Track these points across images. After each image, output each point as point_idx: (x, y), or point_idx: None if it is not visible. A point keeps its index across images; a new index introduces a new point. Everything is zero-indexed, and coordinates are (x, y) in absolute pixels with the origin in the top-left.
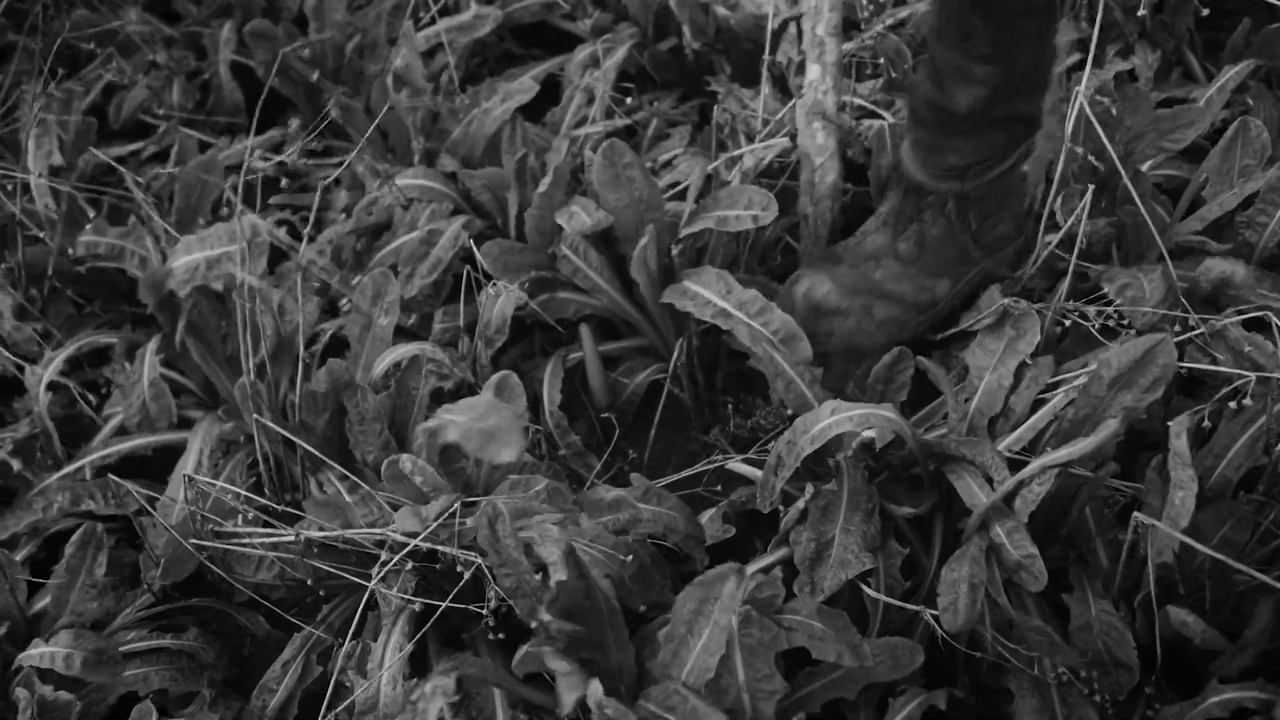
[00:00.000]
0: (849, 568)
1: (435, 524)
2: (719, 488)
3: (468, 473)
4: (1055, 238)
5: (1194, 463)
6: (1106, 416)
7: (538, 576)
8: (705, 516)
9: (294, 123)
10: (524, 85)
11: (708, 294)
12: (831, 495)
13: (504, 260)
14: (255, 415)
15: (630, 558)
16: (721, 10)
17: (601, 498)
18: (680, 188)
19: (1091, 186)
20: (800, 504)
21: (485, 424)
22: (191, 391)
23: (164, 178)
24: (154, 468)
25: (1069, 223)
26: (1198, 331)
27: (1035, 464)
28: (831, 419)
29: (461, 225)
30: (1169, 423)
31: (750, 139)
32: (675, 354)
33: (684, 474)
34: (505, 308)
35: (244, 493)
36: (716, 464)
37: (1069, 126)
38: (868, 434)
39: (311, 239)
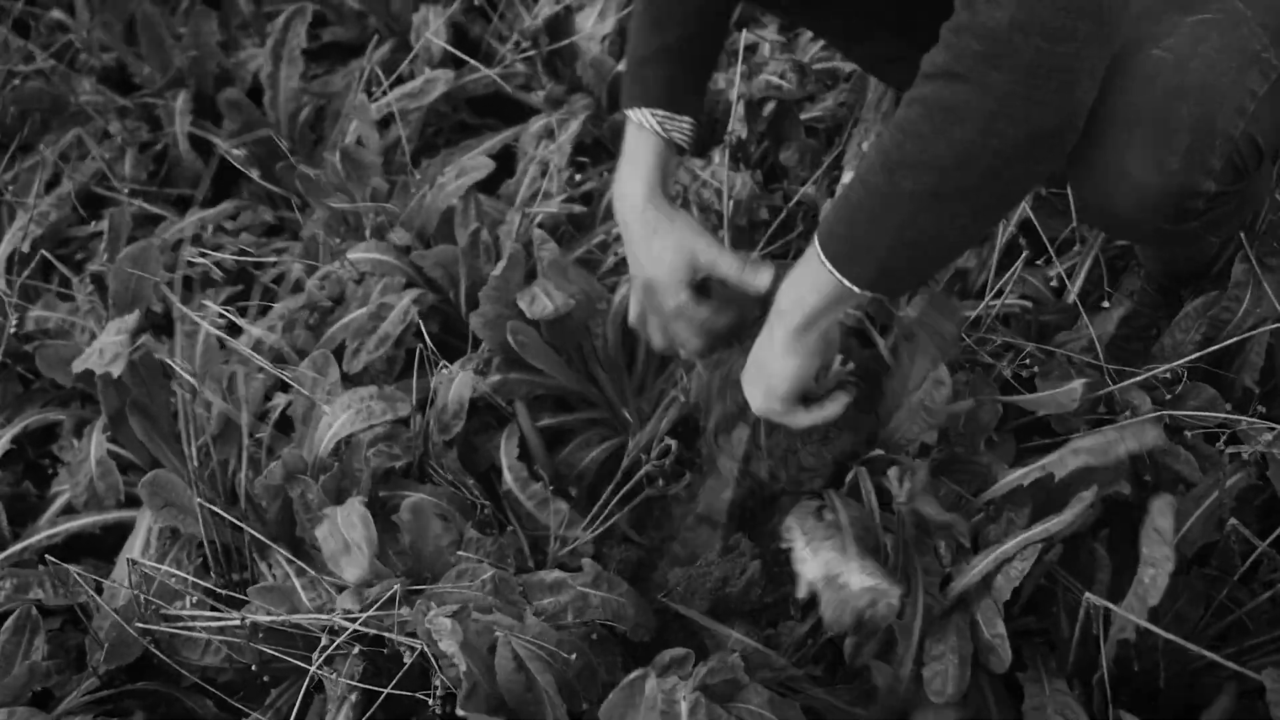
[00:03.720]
0: None
1: (374, 609)
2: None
3: (411, 560)
4: None
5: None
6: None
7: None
8: None
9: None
10: (479, 163)
11: None
12: None
13: (495, 324)
14: (199, 501)
15: (574, 655)
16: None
17: (544, 580)
18: None
19: None
20: None
21: (345, 534)
22: (140, 468)
23: (105, 259)
24: (102, 546)
25: None
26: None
27: (1015, 541)
28: None
29: (412, 300)
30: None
31: (703, 210)
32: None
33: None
34: (461, 392)
35: (190, 577)
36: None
37: None
38: None
39: (264, 312)
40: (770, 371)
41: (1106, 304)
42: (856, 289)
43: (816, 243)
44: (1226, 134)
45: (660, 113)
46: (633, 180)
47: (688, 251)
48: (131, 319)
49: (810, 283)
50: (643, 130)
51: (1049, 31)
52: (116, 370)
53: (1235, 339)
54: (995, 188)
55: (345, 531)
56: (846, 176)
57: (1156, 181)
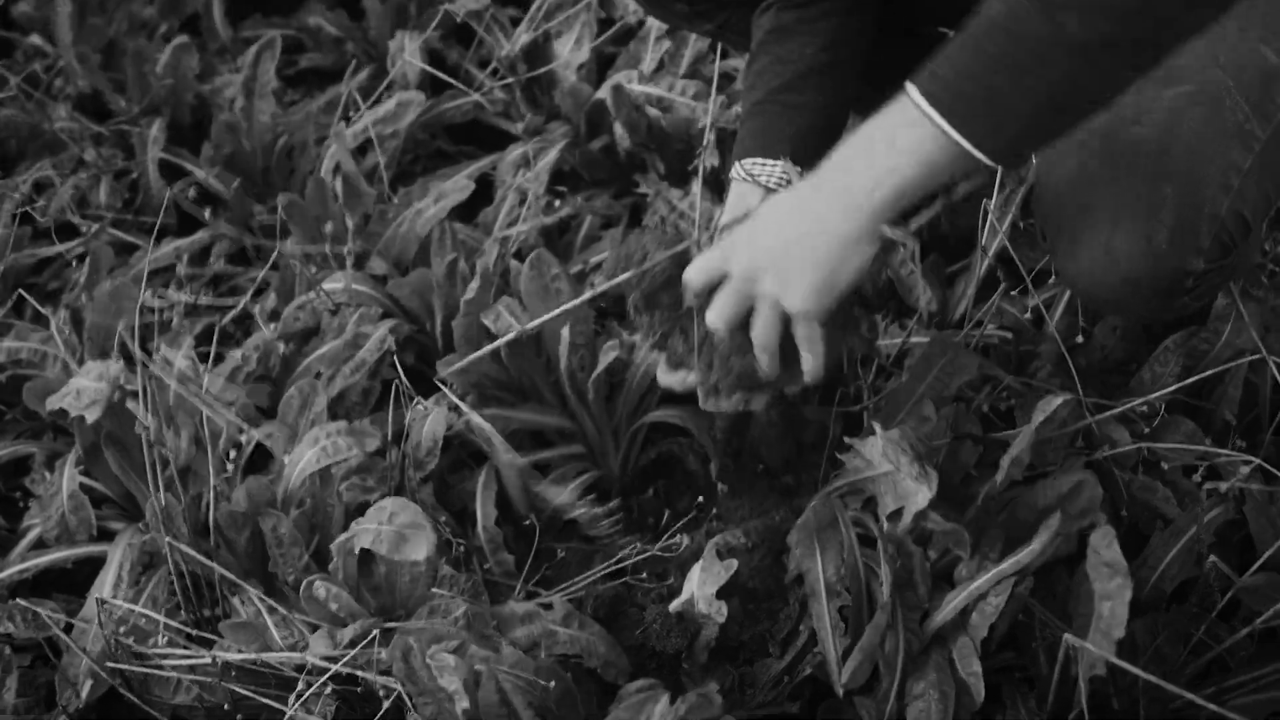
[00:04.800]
0: None
1: (351, 651)
2: (643, 575)
3: (385, 595)
4: None
5: (1130, 572)
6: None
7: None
8: None
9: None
10: (458, 185)
11: None
12: None
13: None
14: (168, 538)
15: (554, 683)
16: (654, 111)
17: (514, 611)
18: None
19: None
20: None
21: (394, 525)
22: (113, 501)
23: (81, 288)
24: (74, 580)
25: None
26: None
27: (987, 576)
28: None
29: (389, 329)
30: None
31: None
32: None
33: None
34: (435, 429)
35: (161, 618)
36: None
37: None
38: None
39: (238, 344)
40: (832, 258)
41: (1081, 339)
42: (985, 158)
43: (926, 102)
44: (1213, 212)
45: (748, 161)
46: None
47: None
48: (115, 367)
49: (911, 149)
50: (733, 182)
51: None
52: (93, 415)
53: (1213, 371)
54: (1166, 37)
55: (391, 525)
56: None
57: (1145, 263)
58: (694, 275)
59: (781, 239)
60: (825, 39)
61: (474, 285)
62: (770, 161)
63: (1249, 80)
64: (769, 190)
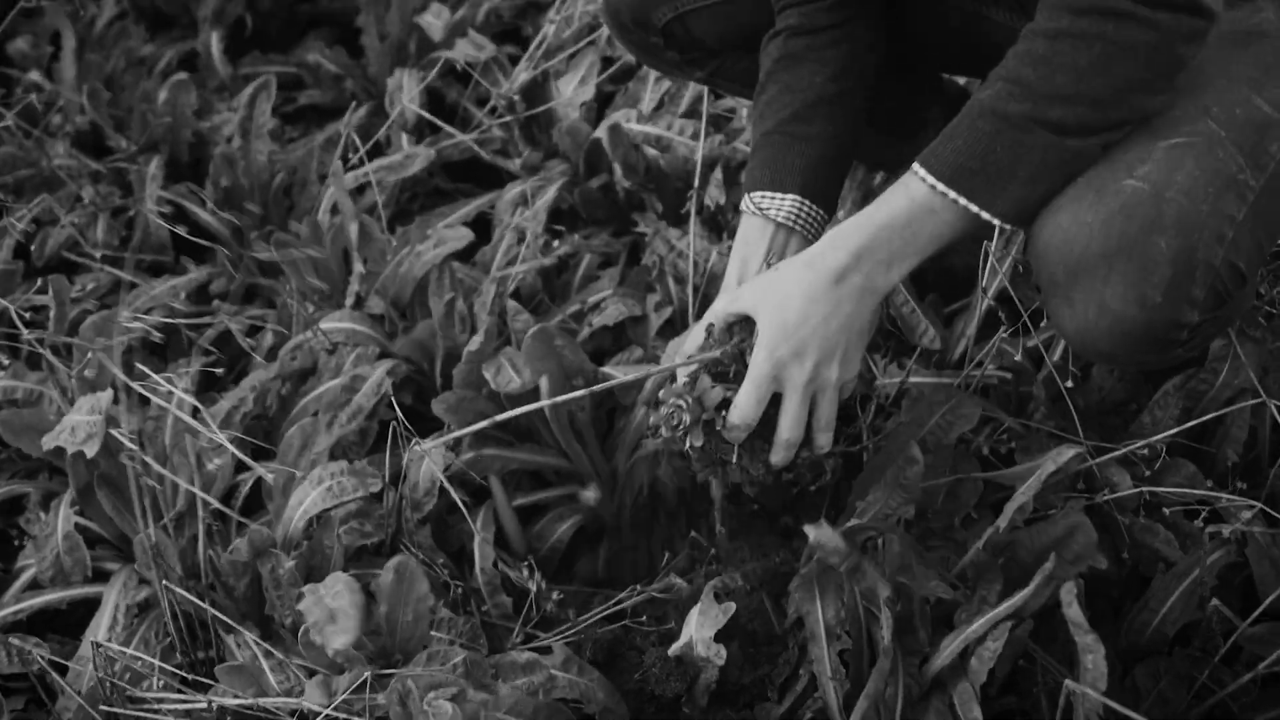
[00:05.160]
0: None
1: (343, 695)
2: (643, 618)
3: (384, 639)
4: None
5: (1132, 615)
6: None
7: None
8: None
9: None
10: (458, 233)
11: None
12: None
13: (459, 408)
14: (164, 581)
15: None
16: (651, 151)
17: (515, 660)
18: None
19: None
20: None
21: (330, 603)
22: (108, 541)
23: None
24: (69, 622)
25: None
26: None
27: (984, 619)
28: None
29: (386, 371)
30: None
31: (679, 281)
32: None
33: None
34: (432, 470)
35: (156, 661)
36: (641, 595)
37: None
38: None
39: (235, 383)
40: (850, 330)
41: (1080, 381)
42: (996, 220)
43: (936, 180)
44: (1207, 263)
45: (757, 194)
46: (729, 266)
47: None
48: (105, 398)
49: (924, 221)
50: (744, 215)
51: None
52: (90, 450)
53: (1214, 415)
54: (1138, 114)
55: (330, 600)
56: None
57: (1139, 316)
58: (750, 405)
59: (827, 335)
60: (834, 68)
61: (477, 339)
62: (779, 195)
63: (1241, 130)
64: (779, 225)
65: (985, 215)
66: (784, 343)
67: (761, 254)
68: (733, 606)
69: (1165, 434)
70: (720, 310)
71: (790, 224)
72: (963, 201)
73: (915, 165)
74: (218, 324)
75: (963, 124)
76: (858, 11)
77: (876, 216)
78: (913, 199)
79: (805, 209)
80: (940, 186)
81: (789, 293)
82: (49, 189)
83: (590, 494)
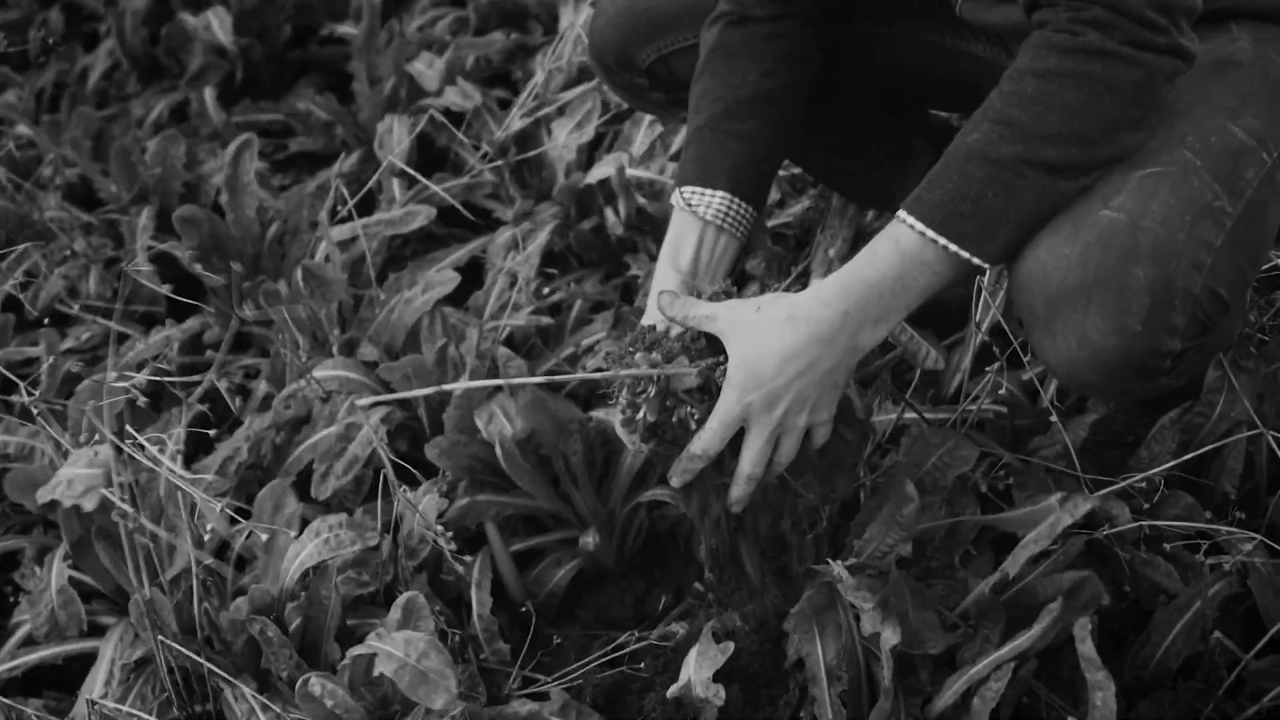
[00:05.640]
0: None
1: None
2: (641, 662)
3: (384, 689)
4: None
5: (1135, 649)
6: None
7: None
8: None
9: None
10: (445, 277)
11: None
12: None
13: (452, 453)
14: (160, 637)
15: None
16: (641, 198)
17: (516, 712)
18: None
19: None
20: None
21: (421, 665)
22: (104, 596)
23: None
24: (64, 678)
25: None
26: None
27: (988, 660)
28: None
29: (380, 418)
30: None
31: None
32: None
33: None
34: (427, 517)
35: (152, 719)
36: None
37: None
38: None
39: (229, 433)
40: (825, 384)
41: (1053, 418)
42: (986, 264)
43: (926, 227)
44: (1186, 291)
45: (688, 190)
46: (660, 262)
47: None
48: (105, 452)
49: (915, 275)
50: (675, 211)
51: (1174, 9)
52: (89, 504)
53: (1211, 446)
54: (1122, 152)
55: (418, 661)
56: (815, 281)
57: (1120, 346)
58: (714, 440)
59: (800, 388)
60: (768, 64)
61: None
62: (708, 191)
63: (1217, 158)
64: (706, 222)
65: (976, 260)
66: (755, 390)
67: (692, 248)
68: (731, 646)
69: (1163, 467)
70: (681, 316)
71: (719, 222)
72: (953, 248)
73: (902, 213)
74: (206, 382)
75: (950, 169)
76: (792, 9)
77: (867, 274)
78: (903, 252)
79: (733, 206)
80: (930, 233)
81: (767, 346)
82: (40, 241)
83: (590, 539)
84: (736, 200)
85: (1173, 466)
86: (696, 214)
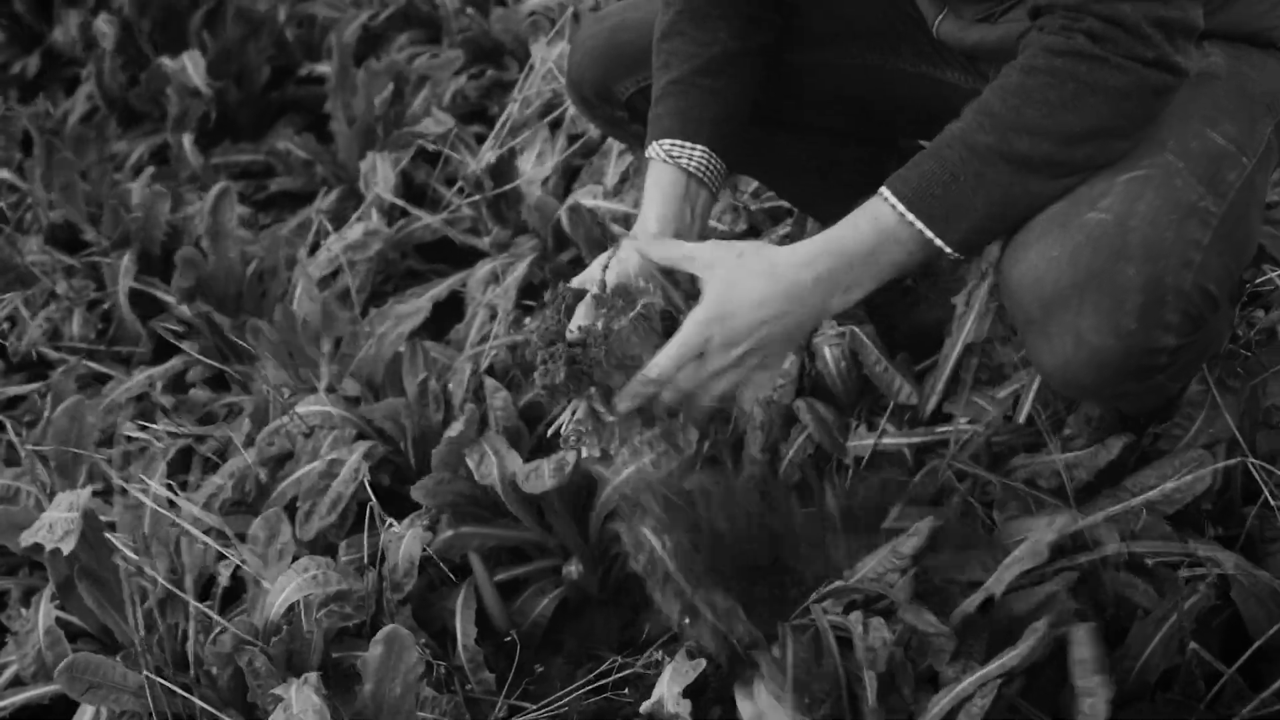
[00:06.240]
0: None
1: None
2: (625, 690)
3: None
4: None
5: (1114, 662)
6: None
7: None
8: None
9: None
10: (416, 308)
11: None
12: None
13: (437, 492)
14: (146, 674)
15: None
16: (617, 227)
17: None
18: None
19: None
20: None
21: None
22: (90, 635)
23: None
24: (52, 717)
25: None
26: None
27: (973, 678)
28: None
29: (363, 455)
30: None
31: None
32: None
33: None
34: (411, 550)
35: None
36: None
37: None
38: None
39: (214, 470)
40: (786, 339)
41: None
42: (948, 248)
43: (899, 203)
44: (1177, 288)
45: (667, 141)
46: (644, 210)
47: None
48: (84, 494)
49: (888, 250)
50: (653, 162)
51: (1171, 25)
52: (68, 547)
53: (1195, 474)
54: (1099, 159)
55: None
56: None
57: (1115, 344)
58: (669, 365)
59: (762, 336)
60: (736, 26)
61: (457, 425)
62: (689, 145)
63: (1198, 161)
64: (690, 175)
65: (938, 242)
66: (719, 325)
67: (676, 200)
68: (703, 662)
69: (1145, 495)
70: (663, 255)
71: (700, 175)
72: (919, 225)
73: (883, 189)
74: (182, 436)
75: (932, 150)
76: None
77: (845, 243)
78: (879, 227)
79: (712, 161)
80: (900, 207)
81: (742, 289)
82: (23, 285)
83: (574, 569)
84: (714, 155)
85: (1155, 493)
86: (680, 165)
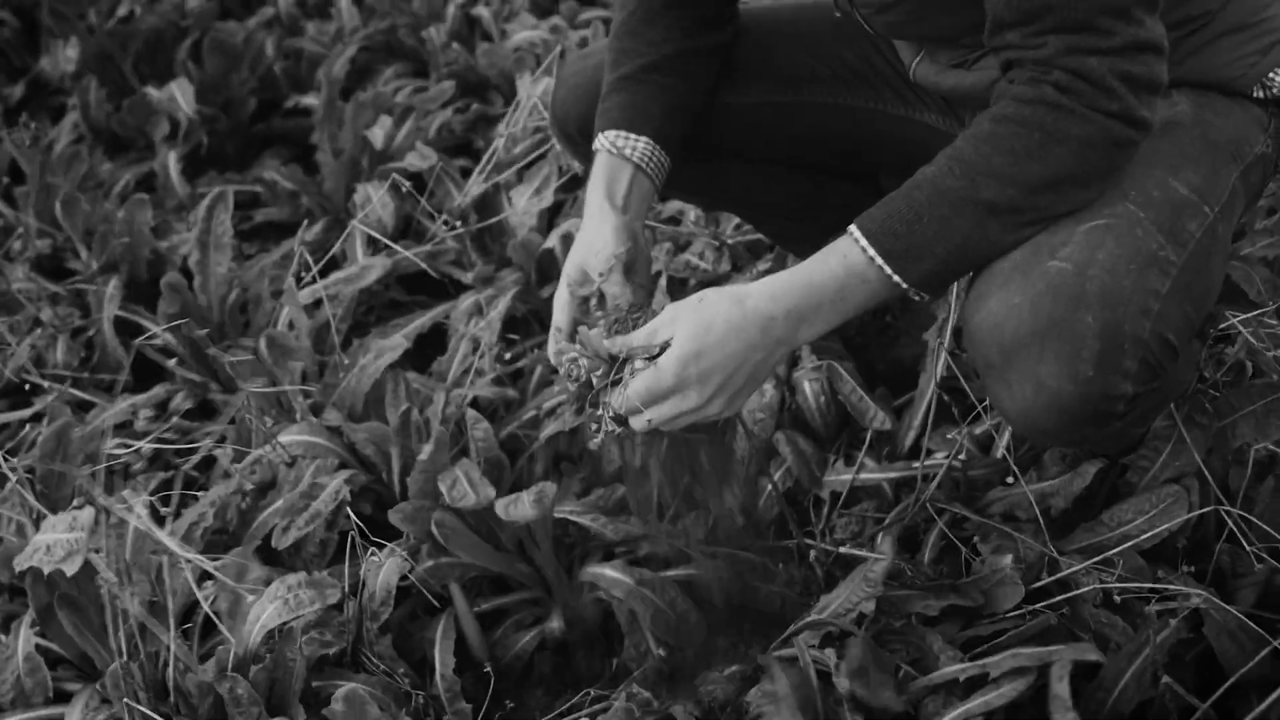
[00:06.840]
0: None
1: None
2: None
3: None
4: None
5: (1088, 696)
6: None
7: None
8: None
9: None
10: (394, 343)
11: None
12: None
13: (416, 518)
14: (127, 700)
15: None
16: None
17: None
18: None
19: None
20: None
21: None
22: (69, 662)
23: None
24: None
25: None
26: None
27: (953, 714)
28: None
29: (344, 480)
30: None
31: None
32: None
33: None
34: (389, 578)
35: None
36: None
37: None
38: None
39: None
40: (755, 373)
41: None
42: (905, 285)
43: (863, 239)
44: (1135, 336)
45: (613, 133)
46: (586, 202)
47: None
48: (86, 515)
49: (855, 289)
50: (598, 154)
51: (1136, 80)
52: (71, 568)
53: (1176, 522)
54: (1059, 208)
55: None
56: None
57: (1073, 390)
58: (645, 400)
59: (736, 368)
60: (687, 26)
61: (428, 448)
62: (635, 136)
63: (1159, 210)
64: (634, 165)
65: (896, 279)
66: (694, 364)
67: (624, 188)
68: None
69: (1122, 529)
70: (624, 346)
71: (643, 165)
72: (879, 261)
73: (852, 226)
74: (207, 446)
75: (903, 190)
76: None
77: (814, 279)
78: (848, 266)
79: (656, 153)
80: (864, 242)
81: (713, 323)
82: (7, 312)
83: (555, 625)
84: (658, 147)
85: (1136, 543)
86: (625, 156)
